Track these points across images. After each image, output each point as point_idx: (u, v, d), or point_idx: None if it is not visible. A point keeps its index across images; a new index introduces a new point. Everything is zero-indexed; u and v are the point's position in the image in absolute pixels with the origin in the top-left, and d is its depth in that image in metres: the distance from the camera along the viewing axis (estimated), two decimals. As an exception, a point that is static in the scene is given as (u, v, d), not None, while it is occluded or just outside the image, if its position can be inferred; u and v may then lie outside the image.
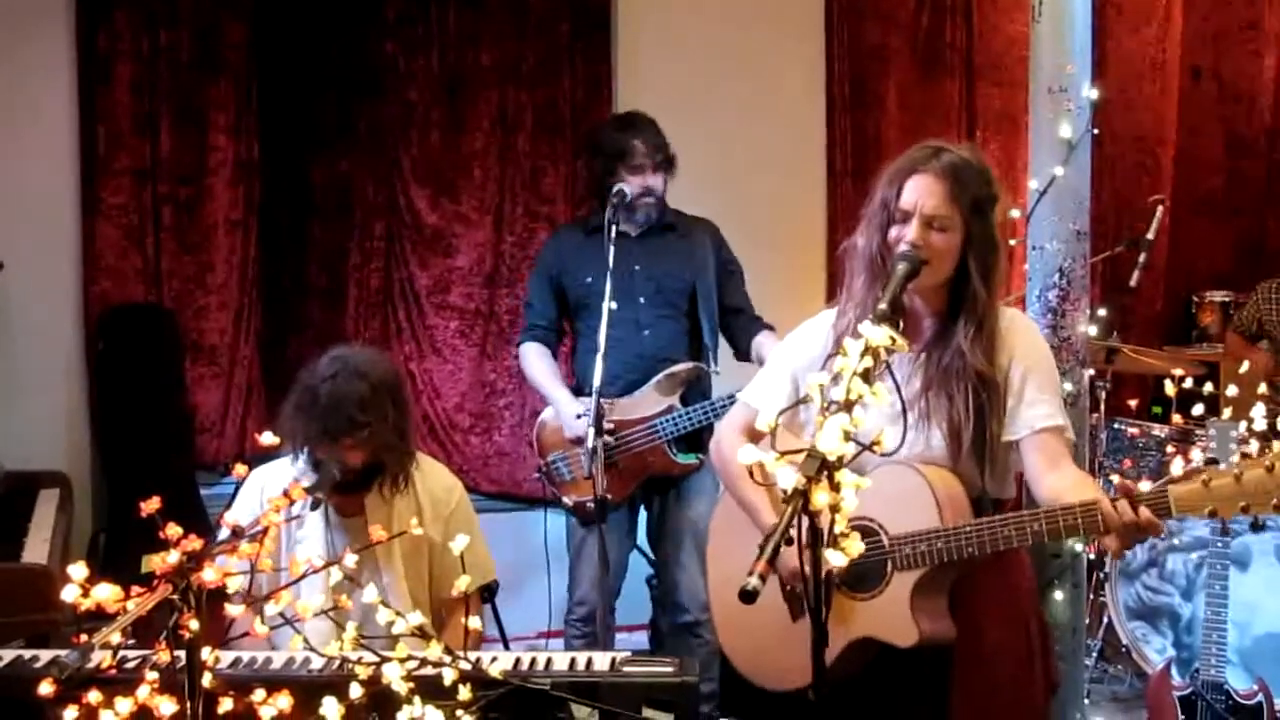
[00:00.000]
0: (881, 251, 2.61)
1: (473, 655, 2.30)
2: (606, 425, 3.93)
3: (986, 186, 2.61)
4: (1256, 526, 4.01)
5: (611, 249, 3.76)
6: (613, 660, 2.71)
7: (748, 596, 1.76)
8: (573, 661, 2.72)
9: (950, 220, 2.55)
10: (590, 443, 3.63)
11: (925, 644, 2.53)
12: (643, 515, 4.30)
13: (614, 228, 3.81)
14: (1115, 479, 2.49)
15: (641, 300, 4.12)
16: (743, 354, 4.22)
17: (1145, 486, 3.92)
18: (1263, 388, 3.28)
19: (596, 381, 3.63)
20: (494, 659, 2.70)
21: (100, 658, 2.06)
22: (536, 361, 4.23)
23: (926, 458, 2.60)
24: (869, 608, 2.58)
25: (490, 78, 5.36)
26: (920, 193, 2.55)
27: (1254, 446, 3.44)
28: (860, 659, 2.62)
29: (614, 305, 3.70)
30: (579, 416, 3.93)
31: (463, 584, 2.28)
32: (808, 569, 1.91)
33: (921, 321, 2.67)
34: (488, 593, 3.68)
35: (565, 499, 4.12)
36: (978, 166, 2.62)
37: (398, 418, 3.13)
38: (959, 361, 2.58)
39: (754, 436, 2.75)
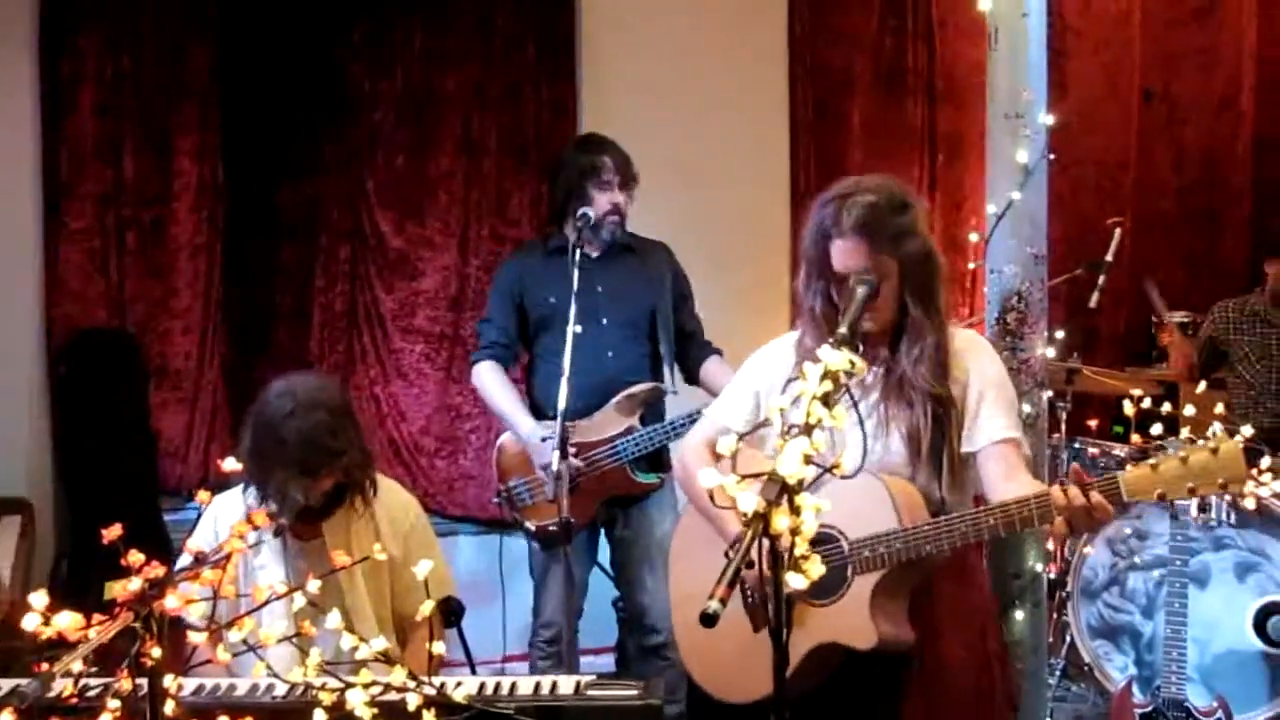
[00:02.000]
0: (827, 312, 2.69)
1: (437, 680, 2.29)
2: (570, 448, 3.94)
3: (902, 214, 2.67)
4: (1203, 508, 4.05)
5: (576, 271, 3.77)
6: (577, 684, 2.72)
7: (708, 620, 1.77)
8: (538, 686, 2.73)
9: (877, 267, 2.62)
10: (556, 465, 3.63)
11: (884, 646, 2.55)
12: (602, 536, 4.29)
13: (579, 251, 3.82)
14: (1072, 465, 2.54)
15: (604, 322, 4.11)
16: (691, 379, 4.24)
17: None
18: (1219, 408, 3.32)
19: (562, 404, 3.63)
20: (459, 684, 2.69)
21: (61, 686, 2.04)
22: (496, 382, 4.17)
23: (886, 464, 2.65)
24: (829, 613, 2.60)
25: (456, 101, 5.39)
26: (843, 257, 2.64)
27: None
28: (822, 669, 2.64)
29: (579, 328, 3.71)
30: (544, 439, 3.93)
31: (426, 609, 2.28)
32: (769, 593, 1.92)
33: (876, 340, 2.72)
34: (453, 615, 3.67)
35: (527, 523, 4.11)
36: (887, 201, 2.67)
37: (359, 435, 3.15)
38: (910, 382, 2.66)
39: (718, 453, 2.77)
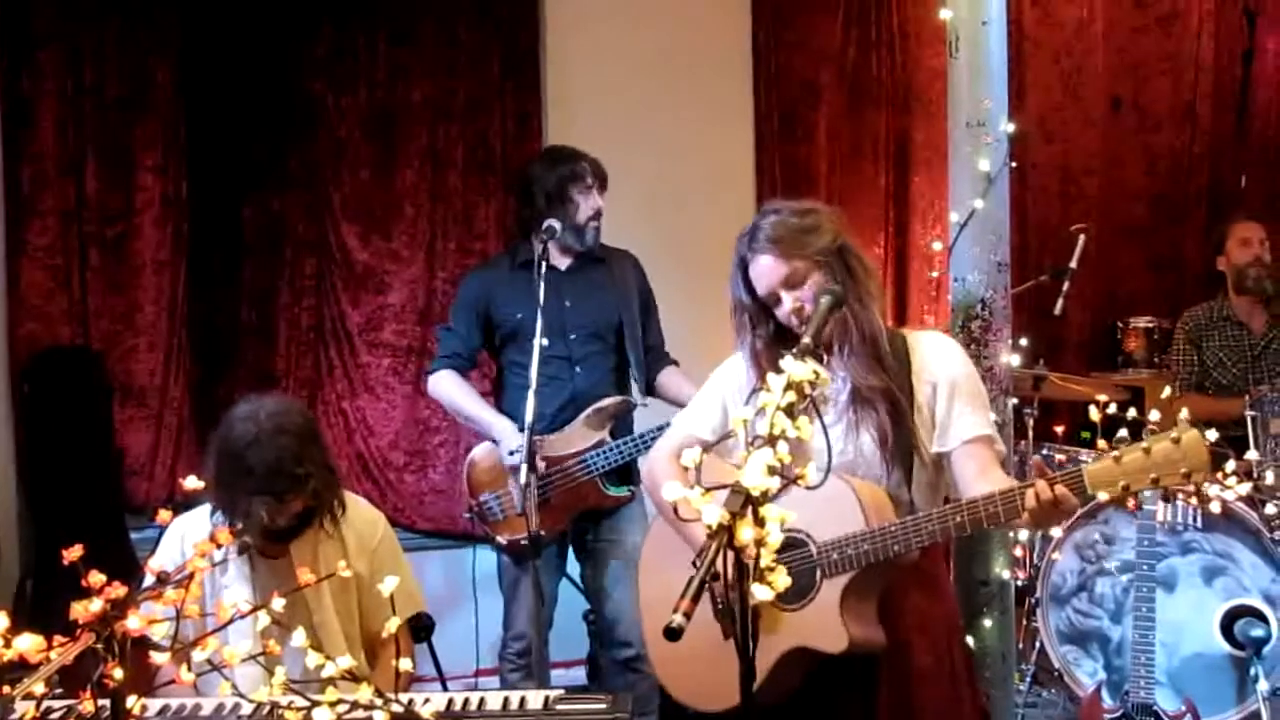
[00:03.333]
0: (769, 353, 2.71)
1: (405, 697, 2.28)
2: (541, 464, 3.93)
3: (805, 217, 2.71)
4: (1167, 498, 4.06)
5: (542, 285, 3.77)
6: (546, 699, 2.71)
7: (672, 634, 1.78)
8: (506, 701, 2.72)
9: (799, 271, 2.67)
10: (523, 479, 3.63)
11: (855, 649, 2.55)
12: (570, 549, 4.28)
13: (544, 264, 3.82)
14: (1033, 459, 2.55)
15: (573, 337, 4.11)
16: (648, 390, 4.24)
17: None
18: (1184, 412, 3.34)
19: (529, 418, 3.64)
20: (426, 700, 2.68)
21: (23, 709, 2.03)
22: (457, 387, 4.16)
23: (859, 466, 2.67)
24: (799, 617, 2.60)
25: (421, 114, 5.37)
26: (761, 278, 2.70)
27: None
28: (794, 675, 2.64)
29: (545, 342, 3.71)
30: (511, 453, 3.92)
31: (393, 626, 2.27)
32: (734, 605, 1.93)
33: (842, 345, 2.72)
34: (423, 630, 3.66)
35: (498, 538, 4.10)
36: (789, 212, 2.73)
37: (324, 456, 3.13)
38: (877, 383, 2.67)
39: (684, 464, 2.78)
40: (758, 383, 2.63)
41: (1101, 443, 2.92)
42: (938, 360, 2.73)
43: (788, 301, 2.68)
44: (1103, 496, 2.36)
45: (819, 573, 2.59)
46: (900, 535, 2.53)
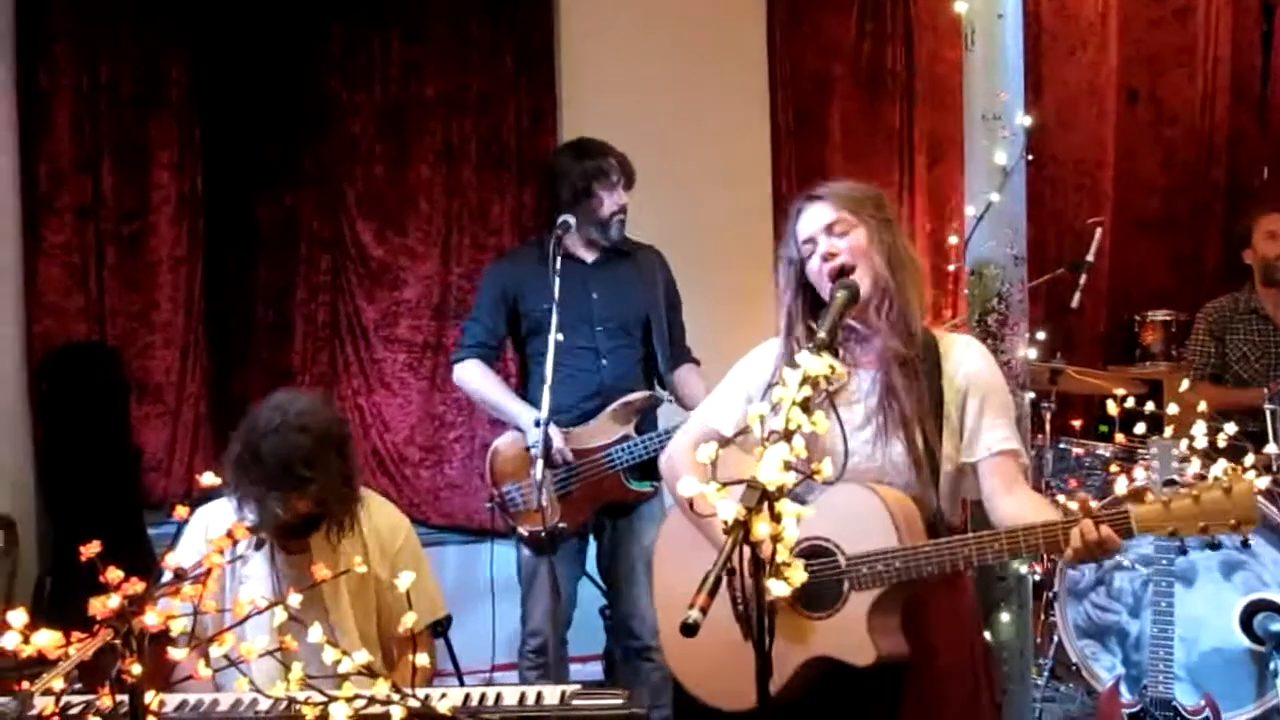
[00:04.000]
0: (805, 304, 2.70)
1: (421, 693, 2.28)
2: (568, 453, 3.94)
3: (868, 190, 2.75)
4: (1213, 546, 4.04)
5: (558, 280, 3.76)
6: (562, 694, 2.71)
7: (688, 630, 1.77)
8: (522, 696, 2.72)
9: (846, 221, 2.66)
10: (538, 473, 3.63)
11: (882, 662, 2.54)
12: (592, 543, 4.29)
13: (559, 259, 3.82)
14: (1075, 501, 2.53)
15: (599, 329, 4.11)
16: (662, 383, 4.23)
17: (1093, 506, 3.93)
18: (1202, 405, 3.32)
19: (544, 413, 3.64)
20: (443, 695, 2.69)
21: (43, 704, 2.04)
22: (483, 376, 4.18)
23: (888, 472, 2.64)
24: (825, 627, 2.59)
25: (435, 110, 5.38)
26: (810, 220, 2.69)
27: (1195, 464, 3.49)
28: (814, 677, 2.63)
29: (560, 337, 3.70)
30: (529, 448, 3.92)
31: (409, 621, 2.27)
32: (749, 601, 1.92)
33: (870, 343, 2.71)
34: (440, 627, 3.66)
35: (520, 529, 4.10)
36: (855, 185, 2.76)
37: (343, 466, 3.09)
38: (907, 385, 2.64)
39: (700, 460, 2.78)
40: (787, 350, 2.67)
41: (1120, 436, 2.92)
42: (970, 367, 2.70)
43: (823, 244, 2.65)
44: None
45: (847, 584, 2.57)
46: (934, 558, 2.50)
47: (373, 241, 5.34)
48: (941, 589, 2.68)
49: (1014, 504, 2.57)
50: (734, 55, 5.75)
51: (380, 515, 3.29)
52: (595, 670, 4.85)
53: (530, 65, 5.47)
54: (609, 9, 5.54)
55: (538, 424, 3.73)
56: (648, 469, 4.08)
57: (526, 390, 4.20)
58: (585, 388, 4.06)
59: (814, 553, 2.58)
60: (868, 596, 2.55)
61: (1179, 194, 6.59)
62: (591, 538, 4.25)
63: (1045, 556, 4.87)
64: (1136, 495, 2.38)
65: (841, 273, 2.63)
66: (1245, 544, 3.92)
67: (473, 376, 4.19)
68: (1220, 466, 2.76)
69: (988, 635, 3.62)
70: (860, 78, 5.96)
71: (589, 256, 4.15)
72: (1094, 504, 2.38)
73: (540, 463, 3.64)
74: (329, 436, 3.08)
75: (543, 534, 3.76)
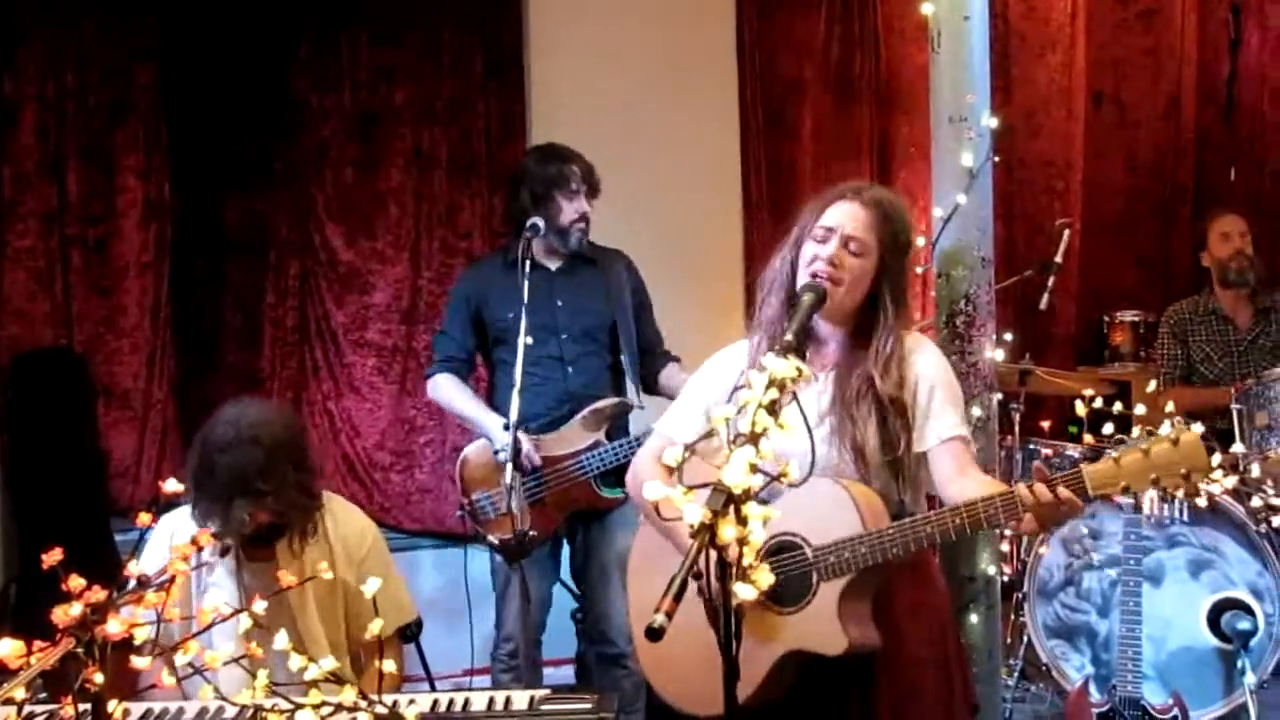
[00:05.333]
0: (791, 269, 2.73)
1: (389, 698, 2.27)
2: (535, 458, 3.93)
3: (905, 229, 2.76)
4: (1166, 499, 4.08)
5: (526, 284, 3.76)
6: (531, 699, 2.70)
7: (653, 635, 1.77)
8: (491, 701, 2.71)
9: (867, 246, 2.68)
10: (508, 478, 3.62)
11: (854, 650, 2.55)
12: (565, 548, 4.28)
13: (528, 262, 3.81)
14: (1035, 463, 2.57)
15: (564, 337, 4.10)
16: (650, 389, 4.23)
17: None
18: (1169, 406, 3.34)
19: (513, 416, 3.63)
20: (411, 701, 2.67)
21: (5, 714, 2.01)
22: (456, 390, 4.17)
23: (842, 472, 2.67)
24: (796, 621, 2.60)
25: (404, 115, 5.36)
26: (843, 216, 2.70)
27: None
28: (790, 676, 2.64)
29: (529, 341, 3.69)
30: (496, 453, 3.92)
31: (375, 628, 2.26)
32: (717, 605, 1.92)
33: (828, 344, 2.77)
34: (410, 632, 3.64)
35: (491, 537, 4.08)
36: (901, 209, 2.77)
37: (299, 476, 3.08)
38: (864, 386, 2.68)
39: (669, 467, 2.79)
40: (781, 304, 2.72)
41: (1088, 437, 2.94)
42: (920, 361, 2.74)
43: (830, 247, 2.67)
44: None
45: (815, 576, 2.58)
46: (898, 538, 2.53)
47: (342, 246, 5.32)
48: (911, 583, 2.72)
49: (968, 485, 2.60)
50: (703, 59, 5.75)
51: (346, 520, 3.27)
52: (568, 674, 4.84)
53: (500, 70, 5.45)
54: (579, 14, 5.53)
55: (506, 428, 3.72)
56: (619, 475, 4.06)
57: (495, 398, 4.19)
58: (552, 396, 4.05)
59: (781, 548, 2.59)
60: (836, 585, 2.56)
61: (1146, 196, 6.62)
62: (565, 542, 4.24)
63: (1015, 548, 4.93)
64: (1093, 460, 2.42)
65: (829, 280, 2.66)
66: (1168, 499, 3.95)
67: (445, 392, 4.18)
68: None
69: (957, 636, 3.63)
70: (829, 81, 5.97)
71: (552, 264, 4.14)
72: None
73: (510, 466, 3.62)
74: (283, 446, 3.06)
75: (513, 540, 3.75)
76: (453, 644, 4.62)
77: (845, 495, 2.58)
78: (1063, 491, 2.38)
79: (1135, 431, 3.61)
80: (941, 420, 2.68)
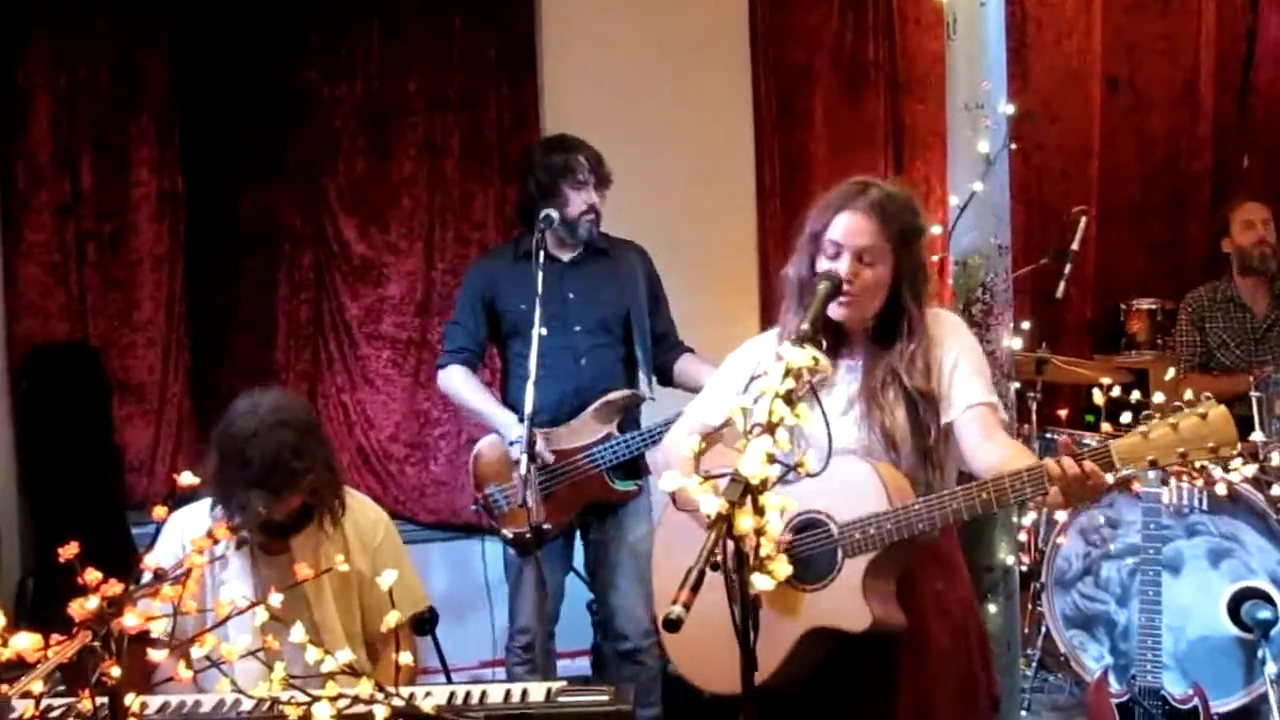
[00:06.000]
0: (809, 280, 2.72)
1: (405, 691, 2.26)
2: (548, 455, 3.92)
3: (913, 217, 2.73)
4: (1166, 481, 4.05)
5: (540, 275, 3.74)
6: (548, 691, 2.70)
7: (670, 626, 1.76)
8: (508, 694, 2.70)
9: (879, 252, 2.66)
10: (523, 470, 3.61)
11: (877, 628, 2.54)
12: (578, 540, 4.27)
13: (542, 253, 3.79)
14: (1061, 437, 2.56)
15: (577, 329, 4.08)
16: (665, 380, 4.21)
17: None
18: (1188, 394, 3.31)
19: (529, 408, 3.61)
20: (427, 694, 2.67)
21: (23, 708, 2.02)
22: (467, 383, 4.15)
23: (873, 453, 2.66)
24: (820, 597, 2.59)
25: (416, 104, 5.34)
26: (849, 230, 2.66)
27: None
28: (815, 655, 2.63)
29: (544, 331, 3.67)
30: (512, 444, 3.90)
31: (392, 620, 2.25)
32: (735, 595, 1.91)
33: (853, 339, 2.76)
34: (426, 624, 3.64)
35: (504, 531, 4.07)
36: (904, 199, 2.73)
37: (326, 454, 3.11)
38: (890, 377, 2.68)
39: (684, 455, 2.79)
40: (797, 309, 2.70)
41: (1106, 426, 2.92)
42: (943, 334, 2.74)
43: (845, 264, 2.64)
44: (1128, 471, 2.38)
45: (840, 553, 2.57)
46: (925, 513, 2.52)
47: (355, 237, 5.31)
48: (935, 574, 2.72)
49: (993, 450, 2.58)
50: (716, 48, 5.73)
51: (359, 511, 3.27)
52: (583, 665, 4.84)
53: (512, 59, 5.43)
54: (591, 3, 5.51)
55: (521, 420, 3.71)
56: (631, 468, 4.06)
57: (506, 390, 4.17)
58: (564, 388, 4.02)
59: (806, 525, 2.59)
60: (861, 562, 2.56)
61: (1162, 182, 6.58)
62: (578, 535, 4.23)
63: (1033, 538, 4.90)
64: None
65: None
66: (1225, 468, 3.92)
67: (456, 383, 4.16)
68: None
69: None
70: (843, 69, 5.94)
71: (565, 255, 4.12)
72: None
73: (525, 459, 3.61)
74: (308, 425, 3.10)
75: (527, 534, 3.73)
76: (468, 637, 4.62)
77: (872, 473, 2.57)
78: (1088, 464, 2.36)
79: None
80: (966, 389, 2.67)
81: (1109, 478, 2.41)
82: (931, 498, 2.54)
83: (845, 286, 2.64)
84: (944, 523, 2.53)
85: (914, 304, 2.70)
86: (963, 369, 2.69)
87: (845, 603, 2.55)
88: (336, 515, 3.15)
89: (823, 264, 2.67)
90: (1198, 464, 2.42)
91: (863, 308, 2.67)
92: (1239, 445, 2.34)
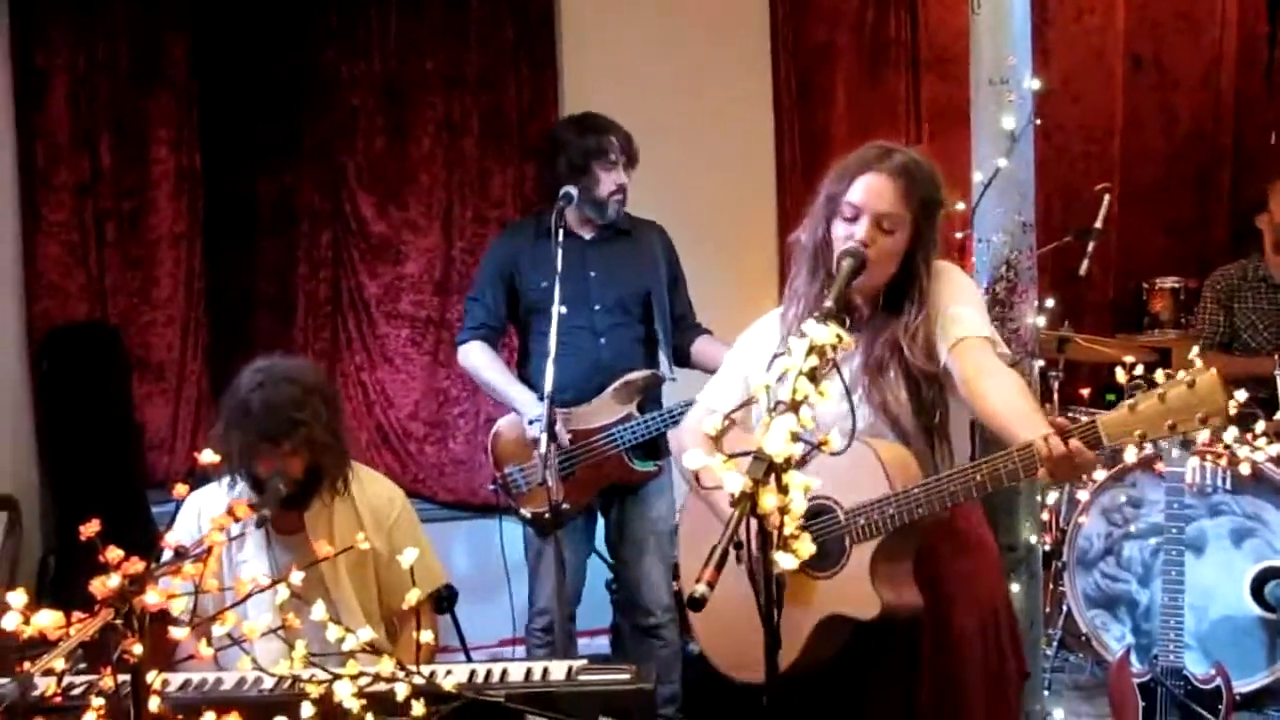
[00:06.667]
0: (824, 244, 2.66)
1: (426, 669, 2.26)
2: (566, 435, 3.91)
3: (935, 189, 2.66)
4: (1187, 444, 4.01)
5: (560, 252, 3.72)
6: (569, 669, 2.69)
7: (695, 604, 1.75)
8: (528, 672, 2.70)
9: (900, 220, 2.60)
10: (543, 449, 3.60)
11: (889, 614, 2.53)
12: (599, 520, 4.27)
13: (561, 231, 3.78)
14: (1054, 417, 2.50)
15: (597, 307, 4.07)
16: (682, 361, 4.20)
17: (1100, 475, 3.91)
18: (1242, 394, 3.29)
19: (548, 386, 3.60)
20: (448, 672, 2.66)
21: (44, 685, 2.02)
22: (486, 360, 4.13)
23: (877, 433, 2.62)
24: (831, 585, 2.58)
25: (434, 83, 5.33)
26: (871, 192, 2.59)
27: (1205, 433, 3.45)
28: (834, 642, 2.62)
29: (563, 310, 3.67)
30: (531, 423, 3.90)
31: (412, 598, 2.25)
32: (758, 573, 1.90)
33: (859, 310, 2.71)
34: (444, 601, 3.64)
35: (523, 510, 4.07)
36: (928, 167, 2.66)
37: (331, 417, 3.11)
38: (891, 352, 2.63)
39: (705, 434, 2.78)
40: (811, 274, 2.66)
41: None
42: (941, 287, 2.66)
43: (861, 228, 2.58)
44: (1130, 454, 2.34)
45: (848, 539, 2.56)
46: (923, 498, 2.49)
47: (373, 216, 5.31)
48: (958, 553, 2.69)
49: (988, 383, 2.50)
50: (736, 25, 5.69)
51: (373, 488, 3.28)
52: (602, 644, 4.84)
53: (530, 37, 5.41)
54: (609, -20, 5.49)
55: (541, 399, 3.70)
56: (651, 448, 4.05)
57: (526, 367, 4.16)
58: (584, 367, 4.01)
59: (815, 512, 2.56)
60: (868, 548, 2.54)
61: (1186, 160, 6.54)
62: (599, 514, 4.22)
63: (1054, 517, 4.88)
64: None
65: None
66: (1189, 443, 3.86)
67: (476, 359, 4.15)
68: (1232, 433, 2.73)
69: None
70: (864, 46, 5.91)
71: (587, 234, 4.10)
72: (1100, 474, 2.37)
73: (544, 437, 3.60)
74: (315, 387, 3.12)
75: (546, 514, 3.73)
76: (487, 616, 4.62)
77: (871, 455, 2.54)
78: (1073, 443, 2.29)
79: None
80: (955, 326, 2.58)
81: (1098, 455, 2.35)
82: (929, 481, 2.50)
83: (858, 247, 2.57)
84: (942, 506, 2.49)
85: (926, 274, 2.64)
86: (951, 308, 2.61)
87: (855, 590, 2.54)
88: (340, 484, 3.15)
89: (839, 227, 2.60)
90: (1191, 434, 2.34)
91: (873, 275, 2.59)
92: (1230, 412, 2.26)
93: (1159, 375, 2.47)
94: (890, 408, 2.62)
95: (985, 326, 2.63)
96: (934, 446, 2.66)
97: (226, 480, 3.11)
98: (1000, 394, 2.48)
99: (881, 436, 2.62)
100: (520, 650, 4.51)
